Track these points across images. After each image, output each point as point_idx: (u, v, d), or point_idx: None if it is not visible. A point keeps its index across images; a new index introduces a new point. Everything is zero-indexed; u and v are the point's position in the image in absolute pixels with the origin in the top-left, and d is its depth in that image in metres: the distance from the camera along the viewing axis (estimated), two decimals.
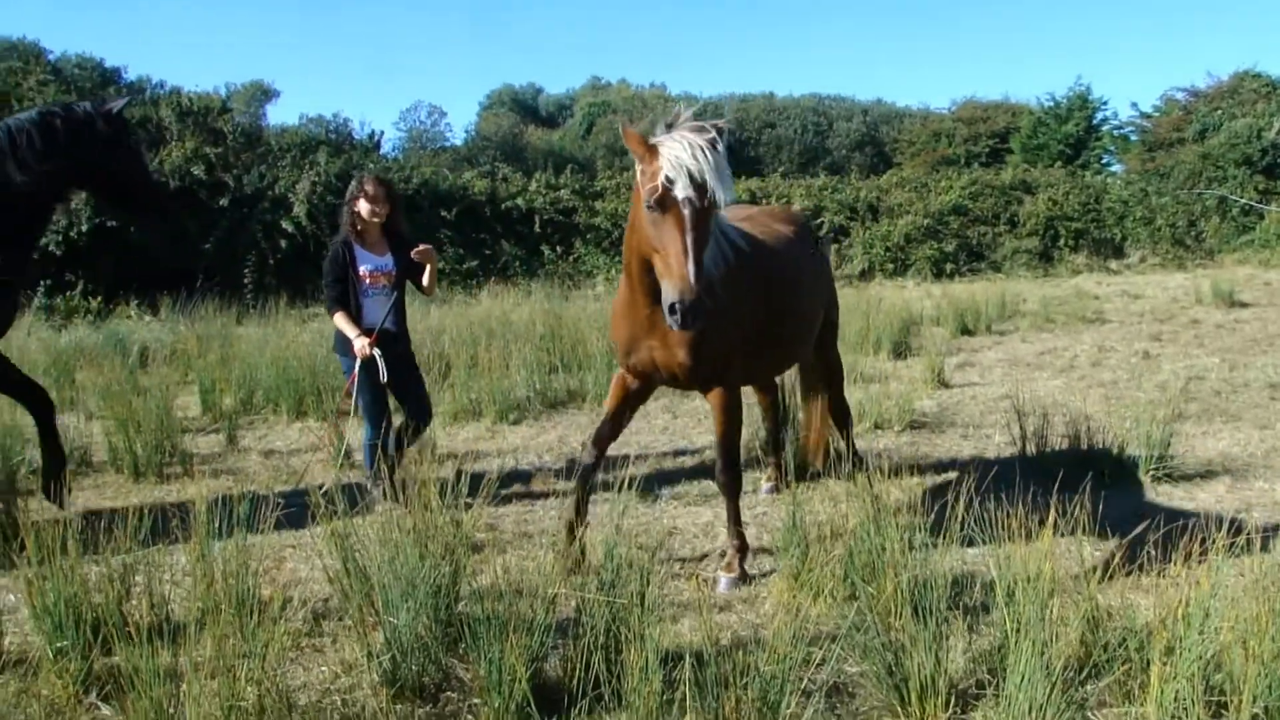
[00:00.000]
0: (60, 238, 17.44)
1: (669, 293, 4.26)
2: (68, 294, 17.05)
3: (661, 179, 4.36)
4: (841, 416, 6.73)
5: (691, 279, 4.19)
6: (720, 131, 4.53)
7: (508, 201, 23.03)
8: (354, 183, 6.57)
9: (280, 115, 48.13)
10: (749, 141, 52.18)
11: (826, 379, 6.66)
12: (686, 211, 4.32)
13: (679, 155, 4.37)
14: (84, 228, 17.60)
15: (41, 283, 16.80)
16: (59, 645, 3.92)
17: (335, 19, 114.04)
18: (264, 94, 49.27)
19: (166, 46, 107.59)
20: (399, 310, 6.47)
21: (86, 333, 13.52)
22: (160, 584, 4.43)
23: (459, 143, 50.84)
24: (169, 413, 7.68)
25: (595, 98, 57.90)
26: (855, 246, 24.56)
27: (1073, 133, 39.36)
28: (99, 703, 3.84)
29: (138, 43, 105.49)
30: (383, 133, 29.95)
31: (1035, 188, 27.51)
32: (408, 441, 6.35)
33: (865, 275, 23.71)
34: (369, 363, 6.23)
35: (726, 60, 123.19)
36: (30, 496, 6.44)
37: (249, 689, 3.36)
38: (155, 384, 8.70)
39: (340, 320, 6.33)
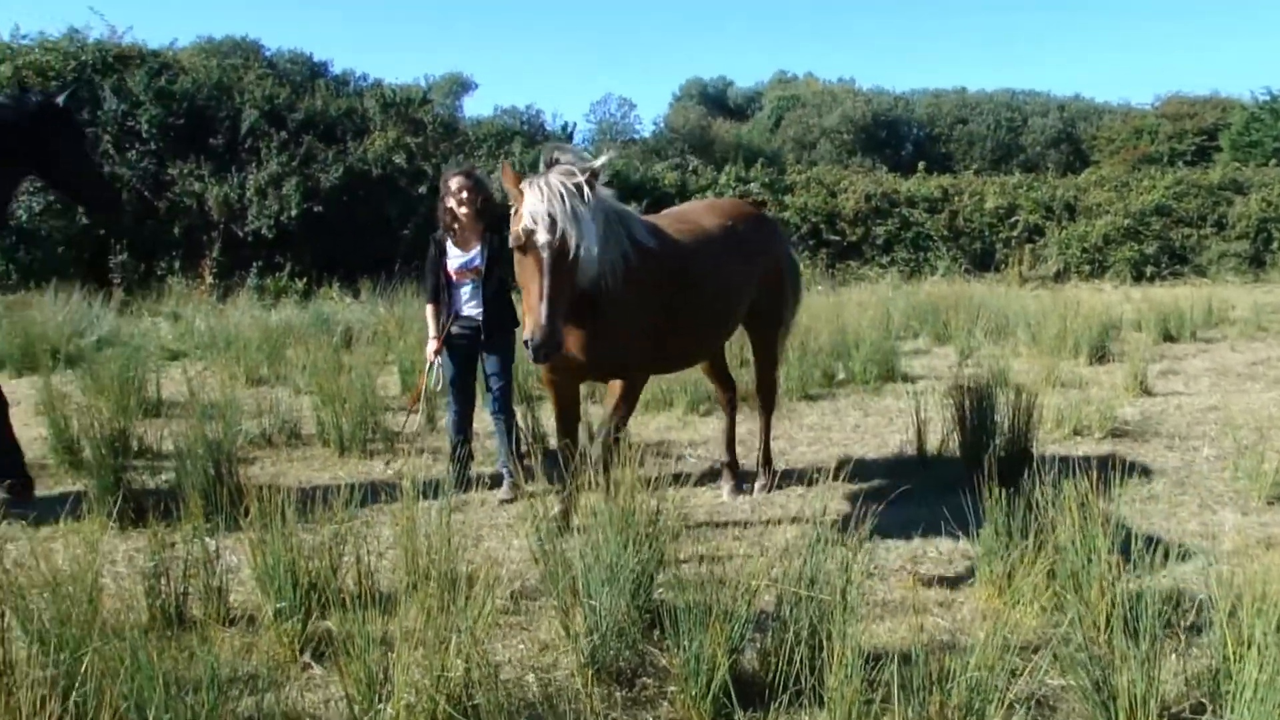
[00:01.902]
0: (271, 222, 18.39)
1: (525, 329, 4.68)
2: (276, 275, 17.96)
3: (522, 225, 4.61)
4: (767, 398, 6.80)
5: (543, 320, 4.52)
6: (594, 174, 4.76)
7: (698, 194, 23.11)
8: (441, 179, 6.71)
9: (476, 107, 49.41)
10: (940, 138, 51.05)
11: (759, 364, 6.78)
12: (545, 255, 4.59)
13: (536, 203, 4.61)
14: (293, 213, 18.48)
15: (254, 264, 17.81)
16: (279, 606, 4.09)
17: (531, 13, 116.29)
18: (461, 86, 50.70)
19: (370, 40, 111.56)
20: (492, 303, 6.60)
21: (294, 312, 14.15)
22: (367, 555, 4.58)
23: (647, 134, 51.22)
24: (372, 391, 7.97)
25: (784, 91, 57.44)
26: (1050, 247, 23.72)
27: None
28: (312, 662, 4.00)
29: (344, 38, 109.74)
30: (574, 124, 30.42)
31: (1248, 187, 25.85)
32: (502, 434, 6.71)
33: (1060, 276, 22.89)
34: (451, 351, 6.63)
35: (921, 53, 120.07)
36: (250, 464, 6.78)
37: (457, 661, 3.44)
38: (359, 363, 9.06)
39: (428, 314, 6.69)
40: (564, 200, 4.62)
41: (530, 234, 4.60)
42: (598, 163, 4.85)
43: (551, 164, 4.84)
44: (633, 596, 3.99)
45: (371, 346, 11.40)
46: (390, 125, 21.71)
